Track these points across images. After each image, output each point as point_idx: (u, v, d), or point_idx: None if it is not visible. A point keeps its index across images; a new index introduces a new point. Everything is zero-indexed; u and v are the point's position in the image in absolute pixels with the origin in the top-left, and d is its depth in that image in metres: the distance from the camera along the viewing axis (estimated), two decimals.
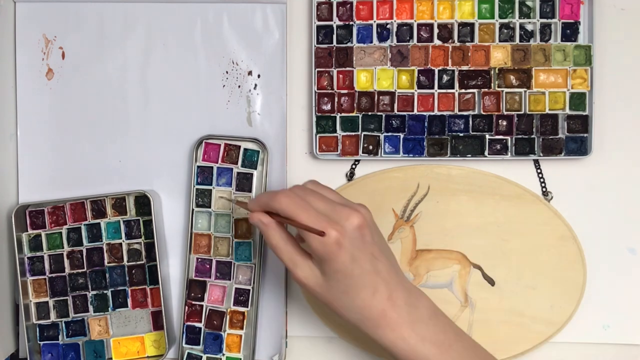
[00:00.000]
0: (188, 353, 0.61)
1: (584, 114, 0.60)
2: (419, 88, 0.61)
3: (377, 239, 0.50)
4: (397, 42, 0.61)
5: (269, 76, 0.62)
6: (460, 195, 0.61)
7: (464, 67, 0.60)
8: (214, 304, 0.61)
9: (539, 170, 0.62)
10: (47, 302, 0.62)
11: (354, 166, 0.62)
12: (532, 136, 0.60)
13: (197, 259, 0.61)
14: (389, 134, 0.61)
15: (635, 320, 0.62)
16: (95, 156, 0.62)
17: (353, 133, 0.61)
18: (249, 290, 0.61)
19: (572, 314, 0.60)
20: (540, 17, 0.60)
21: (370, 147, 0.61)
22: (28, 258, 0.62)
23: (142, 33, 0.62)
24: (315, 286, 0.50)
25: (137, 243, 0.62)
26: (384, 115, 0.61)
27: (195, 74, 0.62)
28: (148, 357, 0.62)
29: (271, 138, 0.62)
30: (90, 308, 0.62)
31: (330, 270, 0.48)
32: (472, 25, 0.60)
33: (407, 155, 0.61)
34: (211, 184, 0.61)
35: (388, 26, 0.61)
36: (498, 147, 0.61)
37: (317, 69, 0.61)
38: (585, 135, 0.60)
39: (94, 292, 0.62)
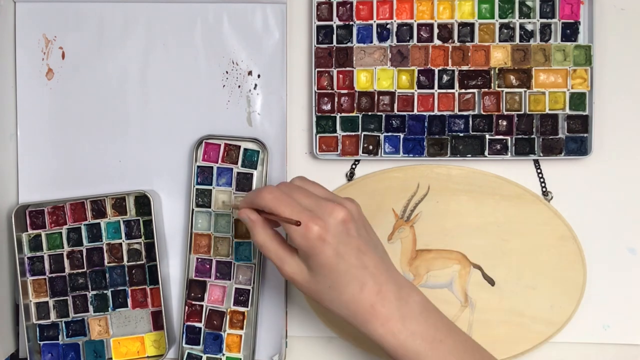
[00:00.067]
0: (188, 353, 0.61)
1: (584, 114, 0.60)
2: (419, 88, 0.61)
3: (365, 233, 0.50)
4: (397, 42, 0.61)
5: (269, 76, 0.62)
6: (460, 195, 0.61)
7: (464, 67, 0.60)
8: (214, 304, 0.61)
9: (539, 170, 0.62)
10: (47, 302, 0.62)
11: (354, 166, 0.63)
12: (532, 136, 0.60)
13: (197, 259, 0.61)
14: (389, 134, 0.61)
15: (635, 320, 0.62)
16: (95, 156, 0.62)
17: (353, 133, 0.61)
18: (249, 290, 0.61)
19: (572, 314, 0.60)
20: (540, 17, 0.60)
21: (370, 147, 0.61)
22: (28, 258, 0.62)
23: (142, 33, 0.62)
24: (303, 282, 0.50)
25: (137, 243, 0.62)
26: (384, 115, 0.61)
27: (195, 74, 0.62)
28: (148, 357, 0.62)
29: (271, 138, 0.62)
30: (90, 308, 0.62)
31: (315, 266, 0.48)
32: (472, 25, 0.60)
33: (407, 155, 0.61)
34: (211, 184, 0.61)
35: (388, 26, 0.61)
36: (498, 147, 0.61)
37: (317, 69, 0.61)
38: (585, 135, 0.60)
39: (94, 292, 0.62)
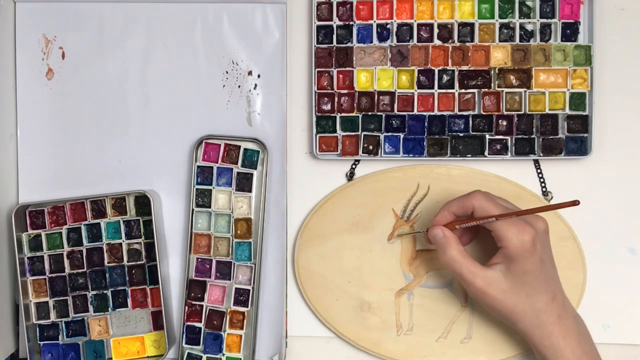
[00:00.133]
0: (188, 353, 0.61)
1: (584, 114, 0.60)
2: (419, 88, 0.61)
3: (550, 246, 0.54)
4: (397, 42, 0.61)
5: (269, 76, 0.62)
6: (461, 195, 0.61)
7: (464, 67, 0.60)
8: (214, 304, 0.61)
9: (539, 170, 0.62)
10: (47, 302, 0.62)
11: (354, 166, 0.62)
12: (532, 136, 0.60)
13: (197, 259, 0.61)
14: (389, 134, 0.61)
15: (635, 320, 0.62)
16: (95, 156, 0.62)
17: (353, 133, 0.61)
18: (249, 290, 0.61)
19: None
20: (540, 17, 0.60)
21: (370, 147, 0.61)
22: (28, 258, 0.62)
23: (142, 33, 0.62)
24: (497, 293, 0.52)
25: (137, 243, 0.62)
26: (384, 115, 0.61)
27: (195, 74, 0.62)
28: (148, 357, 0.62)
29: (271, 138, 0.62)
30: (90, 308, 0.62)
31: (519, 272, 0.51)
32: (472, 25, 0.60)
33: (407, 155, 0.61)
34: (211, 184, 0.61)
35: (388, 26, 0.61)
36: (498, 147, 0.61)
37: (317, 69, 0.61)
38: (585, 135, 0.60)
39: (94, 292, 0.62)
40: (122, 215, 0.62)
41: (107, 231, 0.62)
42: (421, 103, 0.61)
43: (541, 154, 0.60)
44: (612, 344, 0.61)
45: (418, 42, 0.61)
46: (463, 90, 0.60)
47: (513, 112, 0.60)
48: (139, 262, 0.62)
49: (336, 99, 0.61)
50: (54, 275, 0.62)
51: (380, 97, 0.61)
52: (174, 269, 0.63)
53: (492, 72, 0.60)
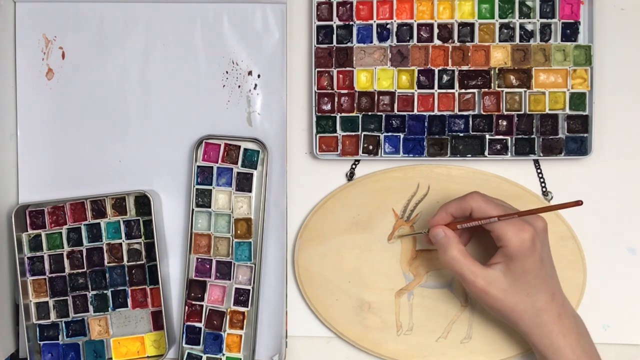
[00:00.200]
0: (188, 353, 0.61)
1: (584, 114, 0.60)
2: (419, 88, 0.61)
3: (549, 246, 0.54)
4: (397, 42, 0.61)
5: (269, 76, 0.62)
6: (460, 195, 0.61)
7: (464, 67, 0.60)
8: (214, 304, 0.61)
9: (539, 170, 0.62)
10: (47, 302, 0.62)
11: (354, 166, 0.62)
12: (532, 136, 0.60)
13: (197, 259, 0.61)
14: (389, 134, 0.61)
15: (635, 320, 0.62)
16: (95, 156, 0.62)
17: (353, 133, 0.61)
18: (249, 290, 0.61)
19: None
20: (540, 17, 0.60)
21: (370, 147, 0.61)
22: (28, 258, 0.62)
23: (142, 33, 0.62)
24: (497, 292, 0.52)
25: (137, 243, 0.62)
26: (384, 115, 0.61)
27: (195, 74, 0.62)
28: (148, 357, 0.62)
29: (271, 138, 0.62)
30: (90, 308, 0.62)
31: (519, 271, 0.51)
32: (472, 25, 0.60)
33: (407, 155, 0.61)
34: (211, 184, 0.61)
35: (388, 26, 0.61)
36: (498, 147, 0.61)
37: (317, 69, 0.61)
38: (585, 135, 0.60)
39: (94, 292, 0.62)
40: (122, 215, 0.62)
41: (107, 231, 0.62)
42: (421, 103, 0.61)
43: (541, 154, 0.60)
44: (612, 344, 0.61)
45: (418, 42, 0.61)
46: (463, 90, 0.60)
47: (513, 112, 0.60)
48: (139, 262, 0.62)
49: (336, 99, 0.61)
50: (54, 275, 0.62)
51: (380, 97, 0.61)
52: (174, 269, 0.63)
53: (492, 72, 0.60)
